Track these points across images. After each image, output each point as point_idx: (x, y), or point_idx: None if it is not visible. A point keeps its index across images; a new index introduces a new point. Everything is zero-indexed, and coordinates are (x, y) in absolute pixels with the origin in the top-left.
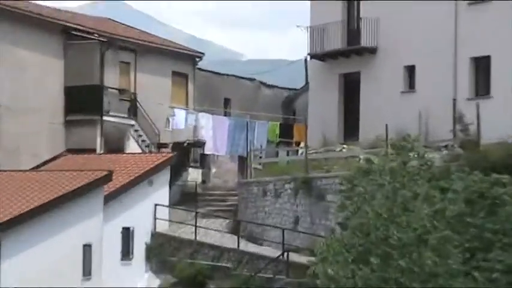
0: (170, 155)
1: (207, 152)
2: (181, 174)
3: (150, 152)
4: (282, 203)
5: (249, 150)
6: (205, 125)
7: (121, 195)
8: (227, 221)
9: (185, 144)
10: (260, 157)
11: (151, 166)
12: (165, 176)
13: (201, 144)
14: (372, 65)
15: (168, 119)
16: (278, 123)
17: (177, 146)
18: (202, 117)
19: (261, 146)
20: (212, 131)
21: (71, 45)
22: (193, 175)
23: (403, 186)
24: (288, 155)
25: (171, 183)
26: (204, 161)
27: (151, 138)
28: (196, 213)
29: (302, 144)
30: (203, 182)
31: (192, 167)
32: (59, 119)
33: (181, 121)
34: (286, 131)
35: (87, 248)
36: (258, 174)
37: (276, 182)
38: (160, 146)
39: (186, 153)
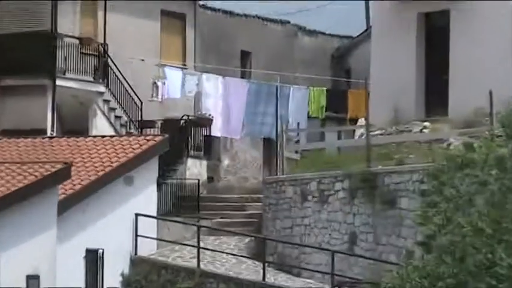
0: (159, 138)
1: (215, 134)
2: (176, 168)
3: (129, 134)
4: (330, 211)
5: (279, 131)
6: (212, 92)
7: (84, 202)
8: (246, 239)
9: (182, 123)
10: (297, 142)
11: (130, 156)
12: (151, 171)
13: (206, 122)
14: None
15: (155, 84)
16: (324, 89)
17: (170, 124)
18: (208, 80)
19: (298, 125)
20: (223, 102)
21: None
22: (195, 169)
23: None
24: (339, 138)
25: (161, 182)
26: (211, 148)
27: (130, 113)
28: (199, 227)
29: (361, 122)
30: (210, 179)
31: (192, 157)
32: None
33: (175, 87)
34: (336, 102)
35: (32, 282)
36: (294, 168)
37: (321, 180)
38: (144, 125)
39: (183, 136)
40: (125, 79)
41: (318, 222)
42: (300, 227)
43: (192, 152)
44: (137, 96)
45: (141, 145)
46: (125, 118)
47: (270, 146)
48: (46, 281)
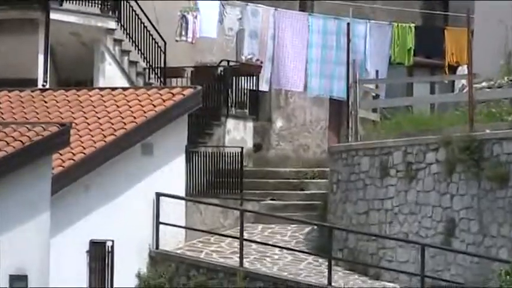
0: (189, 91)
1: (264, 87)
2: (212, 132)
3: (148, 85)
4: (420, 191)
5: (351, 82)
6: (260, 29)
7: (87, 177)
8: (307, 228)
9: (220, 71)
10: (376, 96)
11: (150, 115)
12: (178, 136)
13: (252, 70)
14: None
15: (184, 18)
16: (412, 26)
17: (204, 73)
18: (255, 14)
19: (377, 74)
20: (276, 44)
21: None
22: (237, 134)
23: None
24: (432, 92)
25: (191, 151)
26: (258, 106)
27: (150, 57)
28: (243, 212)
29: (462, 71)
30: (257, 147)
31: (234, 116)
32: None
33: (211, 22)
34: (428, 43)
35: (18, 283)
36: (372, 133)
37: (408, 149)
38: (169, 73)
39: (221, 89)
40: (143, 12)
41: (404, 206)
42: (379, 212)
43: (233, 110)
44: (160, 35)
45: (164, 100)
46: (143, 64)
47: (338, 103)
48: (36, 283)
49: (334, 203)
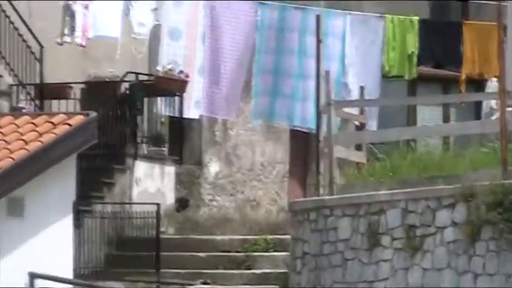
0: (77, 120)
1: (191, 114)
2: (112, 182)
3: (16, 110)
4: (429, 268)
5: (322, 105)
6: (185, 26)
7: None
8: None
9: (124, 89)
10: (361, 126)
11: (19, 158)
12: (62, 188)
13: (173, 86)
14: None
15: (68, 10)
16: (415, 20)
17: (99, 92)
18: (178, 5)
19: (362, 92)
20: (209, 46)
21: None
22: (151, 183)
23: None
24: (447, 119)
25: (81, 211)
26: (184, 142)
27: (19, 69)
28: None
29: (490, 86)
30: (182, 205)
31: (146, 158)
32: None
33: (110, 15)
34: (439, 45)
35: None
36: (354, 182)
37: (409, 204)
38: (48, 92)
39: (126, 116)
40: (10, 3)
41: None
42: None
43: (145, 149)
44: (34, 36)
45: (40, 134)
46: (8, 79)
47: (303, 136)
48: None
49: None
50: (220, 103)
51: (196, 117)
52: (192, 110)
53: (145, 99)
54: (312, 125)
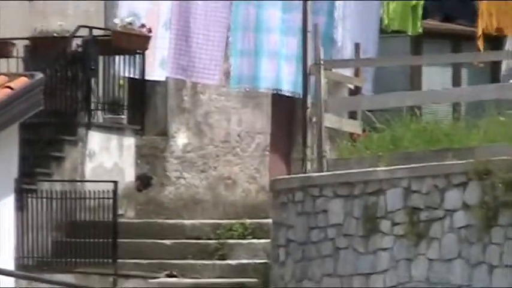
0: (21, 81)
1: (156, 75)
2: (62, 156)
3: None
4: (436, 259)
5: (312, 65)
6: None
7: None
8: None
9: (76, 46)
10: (356, 91)
11: None
12: (2, 163)
13: (134, 44)
14: None
15: None
16: None
17: (46, 49)
18: None
19: (358, 49)
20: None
21: None
22: (107, 158)
23: None
24: (457, 82)
25: (25, 190)
26: (146, 109)
27: None
28: None
29: (510, 44)
30: (143, 183)
31: (101, 127)
32: None
33: None
34: None
35: None
36: (348, 156)
37: (412, 183)
38: None
39: (77, 78)
40: None
41: (407, 286)
42: None
43: (100, 117)
44: None
45: None
46: None
47: (288, 103)
48: None
49: (281, 283)
50: (199, 63)
51: (162, 79)
52: (156, 71)
53: (101, 58)
54: (297, 89)
